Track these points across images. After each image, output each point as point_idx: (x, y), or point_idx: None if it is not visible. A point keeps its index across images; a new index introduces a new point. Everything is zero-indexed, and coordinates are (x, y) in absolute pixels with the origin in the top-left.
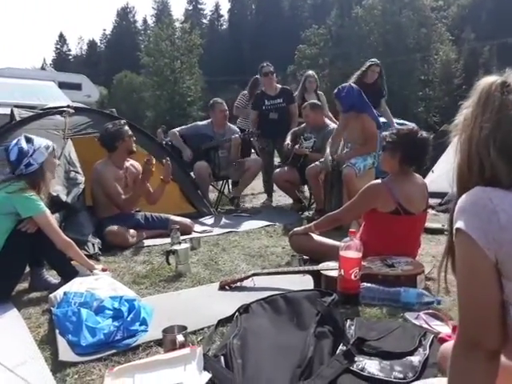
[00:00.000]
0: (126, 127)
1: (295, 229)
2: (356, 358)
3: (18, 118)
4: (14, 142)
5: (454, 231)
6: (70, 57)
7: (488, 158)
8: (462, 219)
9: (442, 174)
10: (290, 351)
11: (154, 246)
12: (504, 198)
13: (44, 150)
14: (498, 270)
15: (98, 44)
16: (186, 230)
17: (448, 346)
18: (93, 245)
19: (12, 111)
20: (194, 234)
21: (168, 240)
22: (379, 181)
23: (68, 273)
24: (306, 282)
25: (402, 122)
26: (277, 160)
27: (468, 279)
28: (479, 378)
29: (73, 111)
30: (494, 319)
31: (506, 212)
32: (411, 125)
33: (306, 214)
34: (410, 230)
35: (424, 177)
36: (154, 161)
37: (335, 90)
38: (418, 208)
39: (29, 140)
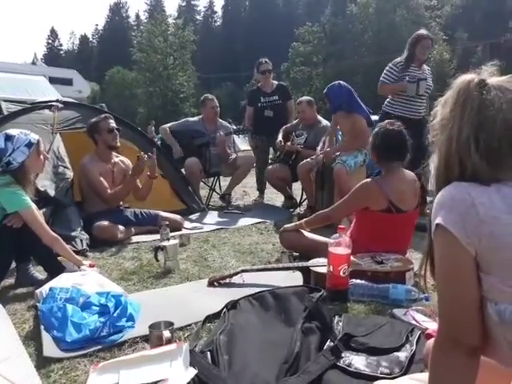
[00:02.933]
0: (108, 121)
1: (286, 225)
2: (343, 354)
3: (5, 112)
4: None
5: (432, 228)
6: (62, 52)
7: (469, 158)
8: (440, 214)
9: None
10: (277, 347)
11: (143, 242)
12: (482, 192)
13: (25, 149)
14: (477, 264)
15: (90, 39)
16: (176, 227)
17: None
18: (81, 240)
19: None
20: (183, 231)
21: (157, 236)
22: (371, 180)
23: (54, 268)
24: (295, 279)
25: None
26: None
27: (448, 274)
28: (459, 374)
29: (62, 106)
30: (473, 315)
31: (484, 205)
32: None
33: (297, 210)
34: (402, 227)
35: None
36: (145, 158)
37: (325, 89)
38: (409, 206)
39: (9, 138)
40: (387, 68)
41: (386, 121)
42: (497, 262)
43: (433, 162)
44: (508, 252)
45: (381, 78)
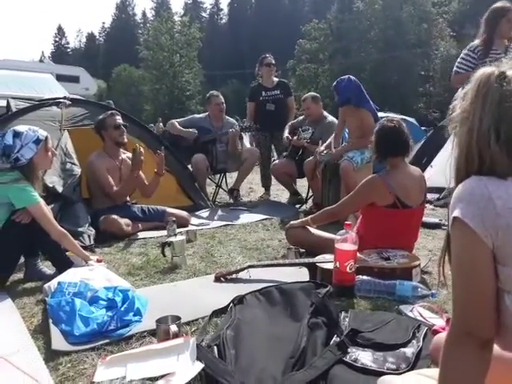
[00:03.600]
0: (115, 117)
1: (292, 222)
2: (349, 349)
3: (14, 109)
4: (2, 134)
5: (450, 221)
6: (69, 50)
7: (488, 150)
8: (458, 208)
9: (440, 169)
10: (284, 342)
11: (150, 238)
12: (500, 185)
13: (33, 146)
14: (494, 257)
15: (97, 37)
16: (183, 223)
17: (441, 337)
18: (88, 236)
19: (8, 102)
20: (190, 227)
21: (164, 232)
22: (376, 175)
23: (62, 263)
24: (301, 275)
25: (401, 117)
26: (274, 154)
27: (465, 267)
28: (471, 366)
29: (69, 103)
30: (488, 308)
31: (501, 198)
32: (396, 117)
33: (304, 207)
34: (408, 223)
35: (423, 172)
36: (141, 149)
37: (334, 83)
38: (415, 201)
39: (17, 134)
40: (462, 55)
41: (384, 118)
42: None
43: (453, 155)
44: None
45: (454, 68)
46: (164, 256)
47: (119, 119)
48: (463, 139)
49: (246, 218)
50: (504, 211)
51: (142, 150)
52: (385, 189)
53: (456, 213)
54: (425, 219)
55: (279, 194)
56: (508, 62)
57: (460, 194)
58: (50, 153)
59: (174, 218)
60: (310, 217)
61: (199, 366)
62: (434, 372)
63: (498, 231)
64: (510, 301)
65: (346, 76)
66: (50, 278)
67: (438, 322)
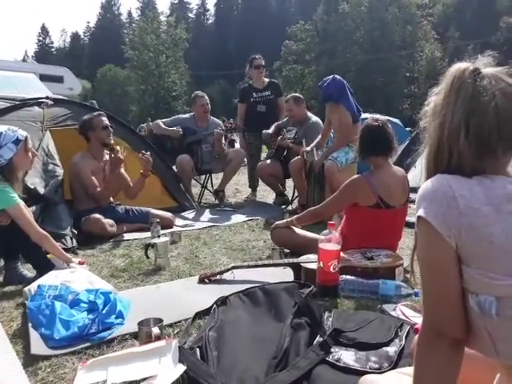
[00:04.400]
0: (101, 118)
1: (277, 222)
2: (332, 349)
3: None
4: None
5: (415, 220)
6: (53, 49)
7: (457, 145)
8: (422, 207)
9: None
10: (267, 343)
11: (134, 239)
12: (463, 184)
13: (12, 146)
14: (458, 257)
15: (82, 37)
16: (167, 224)
17: None
18: (71, 238)
19: None
20: (175, 228)
21: (148, 234)
22: (360, 175)
23: (43, 266)
24: (286, 275)
25: (386, 117)
26: (264, 156)
27: (430, 266)
28: (443, 366)
29: (52, 102)
30: (455, 307)
31: (464, 197)
32: (381, 118)
33: (289, 207)
34: (391, 223)
35: (406, 172)
36: (118, 148)
37: (320, 82)
38: (398, 201)
39: None
40: None
41: (370, 117)
42: (476, 253)
43: (424, 151)
44: (487, 243)
45: None
46: (147, 258)
47: (106, 120)
48: (434, 134)
49: (232, 218)
50: (467, 210)
51: (118, 148)
52: (368, 189)
53: (420, 212)
54: (408, 219)
55: (265, 194)
56: (483, 60)
57: (424, 193)
58: (30, 153)
59: (158, 220)
60: (294, 217)
61: (181, 368)
62: None
63: (460, 231)
64: (474, 301)
65: (332, 75)
66: (31, 281)
67: (421, 320)
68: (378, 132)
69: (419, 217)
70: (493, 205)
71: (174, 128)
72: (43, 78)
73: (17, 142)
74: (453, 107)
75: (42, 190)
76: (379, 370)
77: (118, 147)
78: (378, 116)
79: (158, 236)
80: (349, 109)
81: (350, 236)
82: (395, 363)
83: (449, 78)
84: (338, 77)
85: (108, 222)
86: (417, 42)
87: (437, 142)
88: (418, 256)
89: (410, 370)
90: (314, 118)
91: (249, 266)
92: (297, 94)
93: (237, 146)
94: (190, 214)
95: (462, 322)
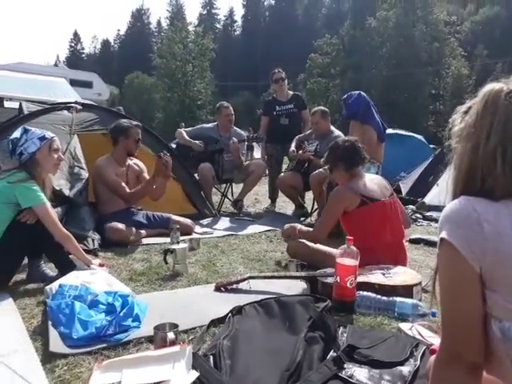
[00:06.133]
0: (138, 130)
1: (285, 225)
2: (345, 365)
3: (25, 112)
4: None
5: (438, 241)
6: (84, 55)
7: (494, 170)
8: (445, 229)
9: (446, 188)
10: (280, 354)
11: (154, 244)
12: (488, 208)
13: (37, 141)
14: (482, 281)
15: (112, 44)
16: (187, 231)
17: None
18: (92, 240)
19: (20, 105)
20: (194, 235)
21: (168, 239)
22: (338, 186)
23: (65, 266)
24: (301, 288)
25: (409, 134)
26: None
27: (451, 290)
28: None
29: (80, 107)
30: (476, 331)
31: (489, 222)
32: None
33: (308, 220)
34: (383, 214)
35: (428, 190)
36: (167, 155)
37: (344, 96)
38: (382, 195)
39: (26, 131)
40: None
41: (339, 139)
42: (501, 279)
43: (451, 171)
44: None
45: None
46: (166, 263)
47: (140, 134)
48: (466, 157)
49: (251, 228)
50: (492, 235)
51: (166, 156)
52: (350, 193)
53: (443, 234)
54: (428, 237)
55: (284, 205)
56: None
57: (448, 214)
58: (56, 156)
59: (178, 226)
60: (300, 227)
61: (194, 374)
62: None
63: (485, 255)
64: (497, 327)
65: (357, 91)
66: (53, 279)
67: (437, 341)
68: (355, 146)
69: (442, 239)
70: None
71: (197, 142)
72: (73, 82)
73: (42, 138)
74: (488, 130)
75: (67, 192)
76: None
77: (167, 155)
78: (401, 133)
79: (178, 242)
80: (375, 128)
81: (357, 243)
82: (409, 383)
83: (482, 98)
84: (363, 94)
85: (130, 230)
86: (443, 59)
87: (468, 165)
88: (439, 277)
89: None
90: (337, 133)
91: (265, 277)
92: (324, 108)
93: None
94: (209, 222)
95: (481, 346)
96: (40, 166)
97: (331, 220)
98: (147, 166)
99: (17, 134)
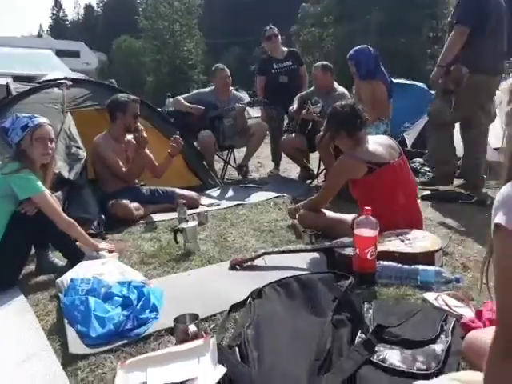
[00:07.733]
0: (136, 105)
1: (289, 207)
2: (376, 348)
3: (14, 93)
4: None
5: (492, 226)
6: (67, 22)
7: None
8: (501, 213)
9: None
10: (307, 340)
11: (161, 221)
12: None
13: (19, 131)
14: None
15: (95, 8)
16: (193, 204)
17: (475, 335)
18: (98, 223)
19: (8, 85)
20: (200, 208)
21: (175, 214)
22: (342, 155)
23: (73, 254)
24: (318, 259)
25: (411, 82)
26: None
27: (509, 278)
28: None
29: (70, 83)
30: None
31: None
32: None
33: (315, 182)
34: (393, 178)
35: None
36: (142, 127)
37: (351, 52)
38: (389, 157)
39: (14, 119)
40: None
41: (337, 103)
42: None
43: (506, 150)
44: None
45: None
46: (177, 243)
47: (138, 108)
48: None
49: (257, 196)
50: None
51: (142, 127)
52: (354, 162)
53: (497, 219)
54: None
55: (289, 168)
56: None
57: (501, 199)
58: (41, 146)
59: (184, 201)
60: (298, 205)
61: (221, 370)
62: (470, 376)
63: None
64: None
65: (365, 46)
66: (63, 269)
67: (465, 311)
68: (350, 109)
69: (497, 224)
70: None
71: (196, 106)
72: (60, 53)
73: (24, 127)
74: None
75: (66, 174)
76: (427, 371)
77: (141, 127)
78: (402, 81)
79: (186, 219)
80: (384, 81)
81: (374, 211)
82: (443, 362)
83: None
84: (371, 49)
85: (134, 205)
86: None
87: None
88: (494, 265)
89: (464, 375)
90: (341, 89)
91: (280, 252)
92: (325, 62)
93: (253, 113)
94: (214, 192)
95: None
96: (27, 156)
97: (332, 191)
98: (152, 143)
99: (7, 122)
